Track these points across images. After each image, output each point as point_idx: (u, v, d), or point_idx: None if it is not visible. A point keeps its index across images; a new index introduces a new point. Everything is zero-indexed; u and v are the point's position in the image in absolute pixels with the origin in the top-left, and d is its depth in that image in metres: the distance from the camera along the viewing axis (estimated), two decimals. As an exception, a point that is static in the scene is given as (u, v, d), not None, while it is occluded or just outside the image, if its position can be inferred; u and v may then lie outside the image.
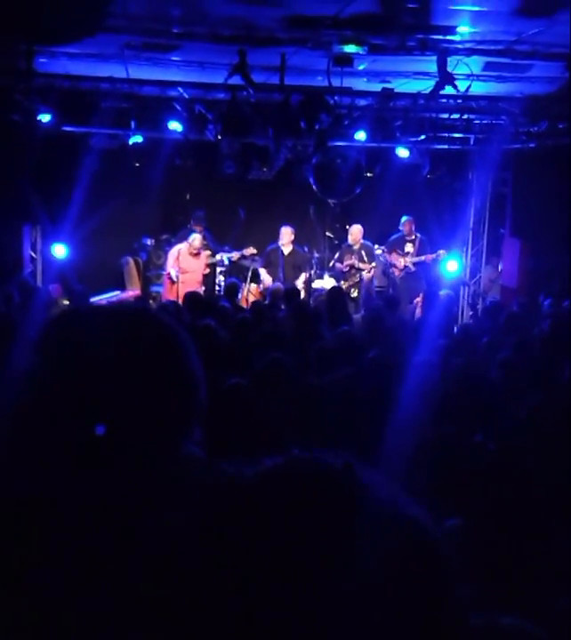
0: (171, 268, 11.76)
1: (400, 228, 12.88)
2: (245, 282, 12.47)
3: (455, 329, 10.18)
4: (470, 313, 13.48)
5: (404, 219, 12.77)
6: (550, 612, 2.33)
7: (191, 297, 9.06)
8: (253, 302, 10.20)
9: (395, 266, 12.81)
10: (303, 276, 12.39)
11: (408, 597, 0.76)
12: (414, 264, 12.67)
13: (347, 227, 13.05)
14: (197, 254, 11.86)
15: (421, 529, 0.82)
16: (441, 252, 12.61)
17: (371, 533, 0.77)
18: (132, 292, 12.95)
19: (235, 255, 12.71)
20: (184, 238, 12.07)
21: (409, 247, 12.75)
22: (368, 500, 0.81)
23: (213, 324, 6.56)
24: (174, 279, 11.55)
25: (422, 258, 12.61)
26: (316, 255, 13.27)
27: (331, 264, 13.07)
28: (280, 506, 0.81)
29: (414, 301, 12.58)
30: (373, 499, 0.82)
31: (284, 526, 0.78)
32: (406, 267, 12.71)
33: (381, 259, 13.05)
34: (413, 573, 0.78)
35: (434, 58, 7.52)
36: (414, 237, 12.75)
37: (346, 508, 0.80)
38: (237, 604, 0.76)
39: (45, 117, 9.67)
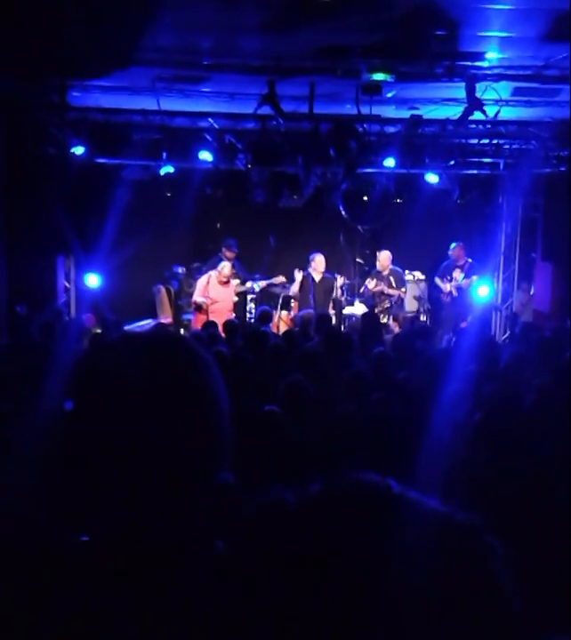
0: (197, 297, 11.82)
1: (449, 253, 12.80)
2: (276, 309, 12.51)
3: (487, 354, 10.07)
4: (503, 337, 13.34)
5: (453, 245, 12.67)
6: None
7: (229, 325, 9.14)
8: (285, 331, 10.23)
9: (442, 292, 12.77)
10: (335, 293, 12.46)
11: (465, 609, 0.75)
12: (457, 289, 12.58)
13: (377, 253, 13.03)
14: (227, 283, 11.90)
15: (473, 533, 0.82)
16: (474, 277, 12.53)
17: (423, 548, 0.77)
18: (164, 320, 13.03)
19: (263, 283, 12.76)
20: (214, 266, 12.12)
21: (457, 273, 12.65)
22: (419, 515, 0.81)
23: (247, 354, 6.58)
24: (203, 306, 11.59)
25: (462, 282, 12.53)
26: (346, 281, 13.27)
27: (361, 290, 13.06)
28: (328, 532, 0.80)
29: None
30: (423, 512, 0.82)
31: (333, 553, 0.78)
32: (450, 293, 12.63)
33: (437, 283, 12.95)
34: (469, 582, 0.77)
35: (462, 84, 7.55)
36: (463, 263, 12.64)
37: (394, 526, 0.79)
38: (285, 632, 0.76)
39: (79, 150, 9.84)
